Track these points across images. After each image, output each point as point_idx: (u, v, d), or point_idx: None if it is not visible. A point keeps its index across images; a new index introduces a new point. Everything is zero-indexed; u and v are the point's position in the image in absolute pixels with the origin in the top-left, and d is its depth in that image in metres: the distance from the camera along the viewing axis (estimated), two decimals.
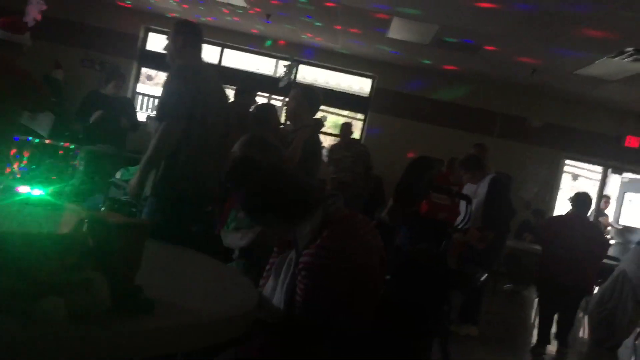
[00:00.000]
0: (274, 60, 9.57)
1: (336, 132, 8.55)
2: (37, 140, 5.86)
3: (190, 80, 3.01)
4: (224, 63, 9.37)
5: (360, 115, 9.66)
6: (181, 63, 3.10)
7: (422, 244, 3.83)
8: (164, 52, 3.25)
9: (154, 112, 3.17)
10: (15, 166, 5.57)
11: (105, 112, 5.75)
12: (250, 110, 4.81)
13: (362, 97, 9.54)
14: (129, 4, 8.72)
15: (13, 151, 5.67)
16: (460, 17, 5.90)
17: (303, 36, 8.46)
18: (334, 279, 1.77)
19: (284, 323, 1.82)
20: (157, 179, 3.01)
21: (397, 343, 1.83)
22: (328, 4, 6.38)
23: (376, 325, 1.81)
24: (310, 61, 9.32)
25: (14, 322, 1.13)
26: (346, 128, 7.54)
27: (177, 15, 8.53)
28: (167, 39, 3.23)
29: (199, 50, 3.24)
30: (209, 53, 9.11)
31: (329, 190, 2.01)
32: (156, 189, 3.02)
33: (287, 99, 4.20)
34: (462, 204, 5.08)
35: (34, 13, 5.68)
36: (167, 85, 3.05)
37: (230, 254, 2.75)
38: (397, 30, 6.87)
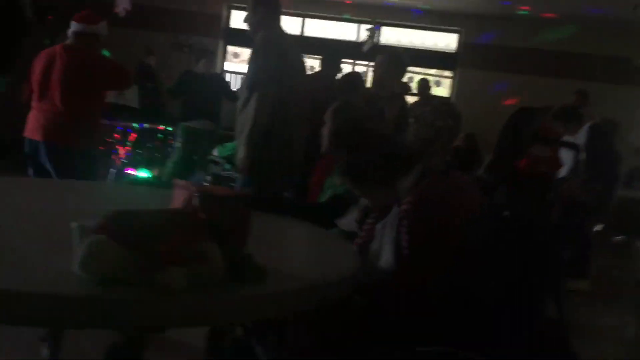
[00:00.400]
0: (355, 25, 9.45)
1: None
2: (137, 125, 6.18)
3: (275, 50, 3.06)
4: (306, 33, 9.36)
5: (448, 73, 9.38)
6: (264, 34, 3.14)
7: (525, 200, 3.69)
8: (245, 25, 3.29)
9: (243, 85, 3.25)
10: (122, 151, 5.94)
11: (200, 90, 5.90)
12: (337, 79, 4.81)
13: (449, 53, 9.24)
14: None
15: (117, 136, 6.05)
16: None
17: None
18: (432, 227, 1.79)
19: (385, 283, 1.84)
20: (250, 150, 3.08)
21: (519, 300, 1.81)
22: None
23: (489, 286, 1.79)
24: (392, 22, 9.12)
25: (140, 292, 1.22)
26: (423, 84, 7.35)
27: None
28: (247, 10, 3.27)
29: (278, 20, 3.27)
30: (291, 24, 9.14)
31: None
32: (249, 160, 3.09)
33: (372, 64, 4.18)
34: (566, 155, 4.85)
35: (124, 3, 5.93)
36: (254, 56, 3.12)
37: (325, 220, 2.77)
38: None
